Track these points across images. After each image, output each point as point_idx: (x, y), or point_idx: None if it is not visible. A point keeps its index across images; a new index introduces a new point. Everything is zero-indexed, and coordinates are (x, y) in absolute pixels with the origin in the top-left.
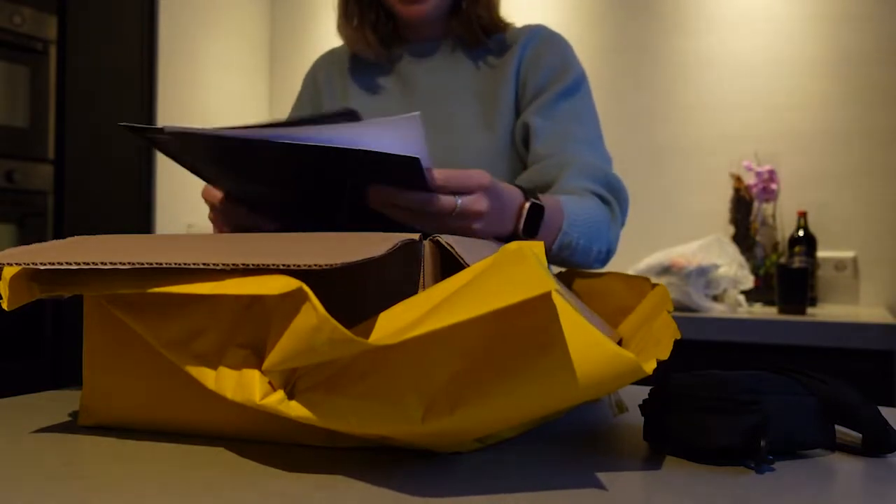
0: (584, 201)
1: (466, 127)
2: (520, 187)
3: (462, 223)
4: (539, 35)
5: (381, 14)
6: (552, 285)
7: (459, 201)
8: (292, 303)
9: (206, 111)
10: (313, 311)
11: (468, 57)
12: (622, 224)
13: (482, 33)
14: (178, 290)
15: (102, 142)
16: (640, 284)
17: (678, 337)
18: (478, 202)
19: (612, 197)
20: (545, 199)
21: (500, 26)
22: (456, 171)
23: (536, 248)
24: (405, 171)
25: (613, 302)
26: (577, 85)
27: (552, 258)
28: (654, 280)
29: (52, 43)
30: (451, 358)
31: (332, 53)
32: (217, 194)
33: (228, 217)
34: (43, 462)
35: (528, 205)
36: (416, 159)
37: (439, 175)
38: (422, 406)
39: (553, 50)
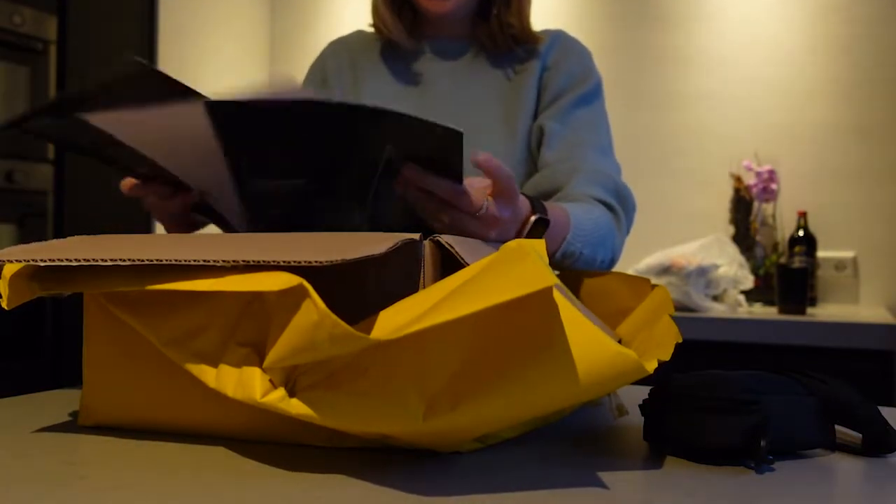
0: (590, 210)
1: (488, 133)
2: (528, 197)
3: (481, 227)
4: (560, 40)
5: (406, 4)
6: (553, 281)
7: (486, 203)
8: (293, 299)
9: None
10: (314, 308)
11: (492, 65)
12: (627, 232)
13: (512, 41)
14: (178, 288)
15: None
16: (640, 285)
17: (679, 340)
18: (504, 210)
19: (619, 205)
20: (552, 208)
21: (530, 37)
22: (508, 171)
23: (537, 245)
24: (444, 151)
25: (614, 303)
26: (594, 93)
27: (554, 265)
28: (654, 280)
29: (52, 43)
30: (453, 356)
31: (341, 42)
32: (130, 180)
33: (160, 194)
34: (43, 462)
35: (533, 218)
36: (460, 133)
37: (491, 159)
38: (423, 403)
39: (574, 56)
